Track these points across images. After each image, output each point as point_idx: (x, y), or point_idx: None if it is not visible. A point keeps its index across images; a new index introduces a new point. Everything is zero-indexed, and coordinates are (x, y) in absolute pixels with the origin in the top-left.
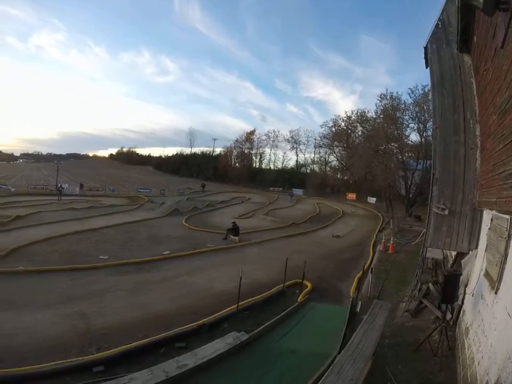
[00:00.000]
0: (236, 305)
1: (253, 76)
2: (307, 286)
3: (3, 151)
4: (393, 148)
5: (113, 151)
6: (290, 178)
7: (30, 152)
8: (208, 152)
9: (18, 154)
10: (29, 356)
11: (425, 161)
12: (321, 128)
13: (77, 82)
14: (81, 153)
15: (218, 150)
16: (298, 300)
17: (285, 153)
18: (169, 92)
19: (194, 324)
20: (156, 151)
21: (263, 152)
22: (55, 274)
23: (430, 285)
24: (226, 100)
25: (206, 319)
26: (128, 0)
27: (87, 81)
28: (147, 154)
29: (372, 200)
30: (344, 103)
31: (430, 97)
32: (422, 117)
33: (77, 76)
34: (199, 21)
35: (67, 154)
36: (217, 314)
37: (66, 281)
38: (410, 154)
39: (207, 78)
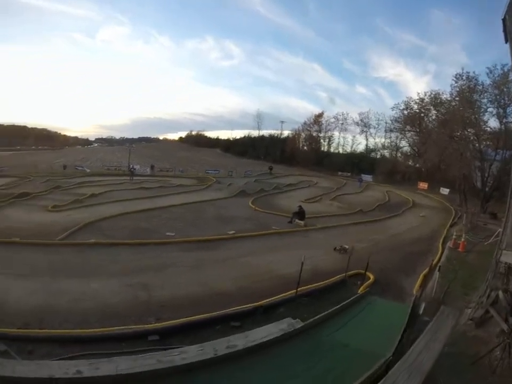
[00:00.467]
0: (295, 290)
1: (319, 56)
2: (369, 278)
3: (79, 137)
4: (469, 134)
5: (183, 134)
6: (359, 163)
7: (104, 137)
8: (276, 135)
9: (93, 139)
10: (92, 319)
11: (504, 151)
12: (392, 111)
13: (145, 71)
14: (152, 137)
15: (286, 133)
16: (359, 291)
17: (354, 137)
18: (235, 75)
19: (251, 305)
20: (224, 134)
21: (331, 136)
22: (124, 247)
23: (500, 292)
24: (292, 82)
25: (263, 301)
26: None
27: (155, 69)
28: (215, 137)
29: (445, 191)
30: (416, 84)
31: (510, 78)
32: (502, 101)
33: (145, 65)
34: (259, 3)
35: (139, 138)
36: (274, 297)
37: (133, 255)
38: (488, 142)
39: (272, 60)
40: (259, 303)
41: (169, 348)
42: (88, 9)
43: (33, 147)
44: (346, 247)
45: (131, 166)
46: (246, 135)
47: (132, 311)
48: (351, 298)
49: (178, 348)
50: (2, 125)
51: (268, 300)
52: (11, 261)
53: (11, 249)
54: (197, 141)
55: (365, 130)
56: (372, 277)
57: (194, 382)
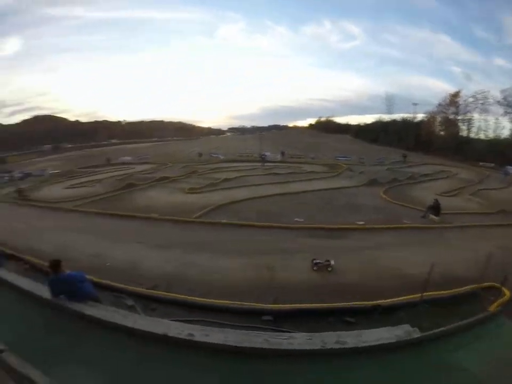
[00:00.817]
0: (420, 295)
1: (447, 26)
2: (505, 295)
3: (212, 127)
4: None
5: (312, 121)
6: (504, 152)
7: (236, 126)
8: (409, 119)
9: (226, 129)
10: (215, 291)
11: None
12: None
13: (267, 61)
14: (281, 125)
15: (419, 116)
16: (490, 309)
17: (496, 119)
18: (358, 57)
19: (369, 302)
20: (354, 120)
21: (470, 118)
22: (253, 229)
23: None
24: (421, 58)
25: (383, 301)
26: None
27: (276, 59)
28: (345, 123)
29: None
30: None
31: None
32: None
33: (266, 55)
34: None
35: (268, 126)
36: (396, 299)
37: (261, 236)
38: None
39: (395, 36)
40: (378, 302)
41: (279, 330)
42: (203, 13)
43: (169, 138)
44: (330, 263)
45: (262, 152)
46: (377, 120)
47: (253, 289)
48: (480, 316)
49: (288, 332)
50: (143, 121)
51: (388, 301)
52: (149, 233)
53: (150, 224)
54: (326, 127)
55: (509, 111)
56: (508, 293)
57: (297, 369)
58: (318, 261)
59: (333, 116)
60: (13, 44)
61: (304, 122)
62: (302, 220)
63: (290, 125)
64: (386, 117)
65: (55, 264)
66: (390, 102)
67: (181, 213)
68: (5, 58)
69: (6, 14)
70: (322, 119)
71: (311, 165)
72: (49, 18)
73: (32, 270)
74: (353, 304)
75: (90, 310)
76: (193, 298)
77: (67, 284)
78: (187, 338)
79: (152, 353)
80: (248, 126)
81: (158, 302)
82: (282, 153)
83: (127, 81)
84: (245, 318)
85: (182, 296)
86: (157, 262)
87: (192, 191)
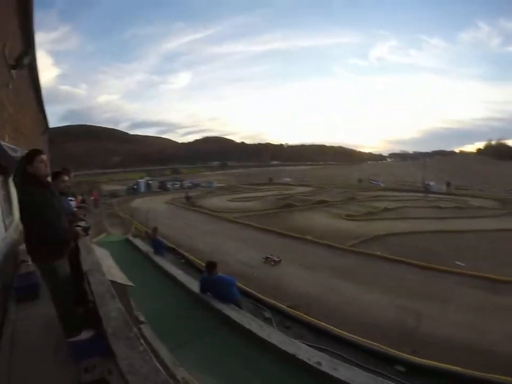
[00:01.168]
0: None
1: None
2: None
3: (373, 153)
4: None
5: (480, 145)
6: None
7: (396, 152)
8: None
9: (386, 155)
10: (352, 324)
11: None
12: None
13: (423, 78)
14: (447, 150)
15: None
16: None
17: None
18: None
19: None
20: None
21: None
22: (406, 266)
23: None
24: None
25: None
26: None
27: (433, 74)
28: None
29: None
30: None
31: None
32: None
33: (422, 71)
34: None
35: (432, 151)
36: None
37: (413, 276)
38: None
39: None
40: None
41: None
42: (354, 36)
43: (329, 162)
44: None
45: (426, 182)
46: None
47: (391, 332)
48: None
49: None
50: (305, 144)
51: None
52: (301, 253)
53: (304, 245)
54: (497, 152)
55: None
56: None
57: None
58: None
59: (505, 138)
60: (186, 78)
61: (471, 147)
62: (463, 264)
63: (456, 150)
64: None
65: (211, 266)
66: None
67: (335, 239)
68: (180, 89)
69: (180, 54)
70: (493, 142)
71: (478, 198)
72: (216, 55)
73: (187, 265)
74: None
75: (231, 312)
76: (328, 326)
77: (218, 284)
78: (314, 365)
79: (278, 370)
80: (410, 152)
81: (294, 321)
82: (448, 184)
83: (289, 107)
84: (375, 360)
85: (319, 322)
86: (302, 282)
87: (349, 217)
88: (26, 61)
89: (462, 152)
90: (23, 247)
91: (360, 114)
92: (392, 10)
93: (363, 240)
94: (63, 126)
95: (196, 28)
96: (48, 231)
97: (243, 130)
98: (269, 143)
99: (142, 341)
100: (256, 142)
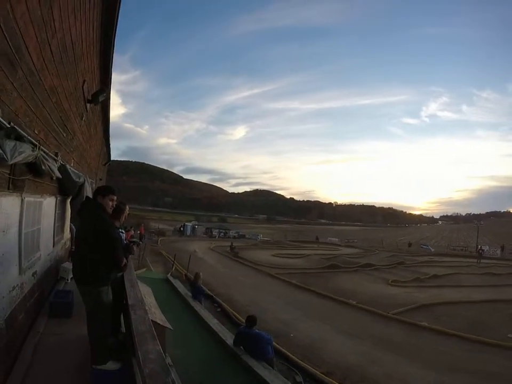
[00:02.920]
0: None
1: None
2: None
3: (424, 215)
4: None
5: None
6: None
7: (448, 214)
8: None
9: (438, 217)
10: None
11: None
12: None
13: (477, 135)
14: (501, 210)
15: None
16: None
17: None
18: None
19: None
20: None
21: None
22: (454, 339)
23: None
24: None
25: None
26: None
27: (486, 130)
28: None
29: None
30: None
31: None
32: None
33: (475, 127)
34: None
35: (486, 213)
36: None
37: (462, 351)
38: None
39: None
40: None
41: None
42: (406, 94)
43: (378, 224)
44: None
45: (479, 246)
46: None
47: None
48: None
49: None
50: (354, 204)
51: None
52: (342, 318)
53: (346, 309)
54: None
55: None
56: None
57: None
58: None
59: None
60: (242, 130)
61: None
62: None
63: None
64: None
65: (252, 320)
66: None
67: (379, 305)
68: (236, 141)
69: (238, 107)
70: None
71: None
72: (272, 111)
73: (223, 314)
74: None
75: (262, 370)
76: None
77: (254, 340)
78: None
79: None
80: (463, 214)
81: None
82: (502, 248)
83: (341, 165)
84: None
85: None
86: (339, 348)
87: (395, 283)
88: (101, 98)
89: None
90: (65, 264)
91: (411, 174)
92: (443, 68)
93: (409, 309)
94: (122, 160)
95: (255, 83)
96: (109, 259)
97: (293, 186)
98: (318, 200)
99: None
100: (305, 198)
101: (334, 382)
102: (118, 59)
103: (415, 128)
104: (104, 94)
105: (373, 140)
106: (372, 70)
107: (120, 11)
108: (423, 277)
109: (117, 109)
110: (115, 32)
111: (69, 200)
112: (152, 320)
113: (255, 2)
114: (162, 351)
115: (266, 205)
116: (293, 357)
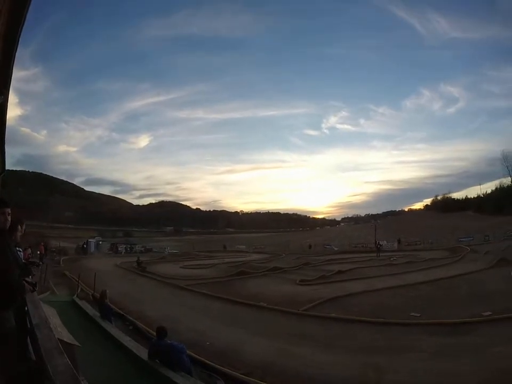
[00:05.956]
0: None
1: None
2: None
3: (326, 218)
4: None
5: (428, 201)
6: None
7: (349, 216)
8: None
9: (339, 219)
10: None
11: None
12: None
13: (374, 146)
14: (397, 210)
15: None
16: None
17: None
18: (465, 119)
19: None
20: (474, 191)
21: None
22: (362, 325)
23: None
24: None
25: None
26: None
27: (383, 142)
28: (463, 198)
29: None
30: None
31: None
32: None
33: (372, 139)
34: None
35: (383, 212)
36: None
37: (371, 334)
38: None
39: (496, 84)
40: None
41: None
42: (308, 107)
43: (283, 229)
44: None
45: (377, 242)
46: (498, 187)
47: None
48: None
49: None
50: (260, 211)
51: None
52: (254, 320)
53: (258, 312)
54: (444, 206)
55: None
56: None
57: None
58: None
59: (449, 193)
60: (145, 139)
61: (420, 204)
62: (419, 314)
63: (406, 209)
64: (507, 181)
65: (161, 331)
66: (509, 162)
67: (290, 304)
68: (139, 150)
69: (142, 115)
70: (439, 197)
71: (429, 251)
72: (176, 120)
73: (136, 331)
74: None
75: (182, 380)
76: None
77: (167, 351)
78: None
79: None
80: (363, 215)
81: None
82: (399, 241)
83: (245, 175)
84: None
85: None
86: (256, 349)
87: (303, 282)
88: None
89: (411, 210)
90: None
91: (313, 181)
92: (342, 85)
93: (318, 304)
94: (17, 170)
95: (159, 91)
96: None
97: (199, 196)
98: (224, 210)
99: None
100: (211, 208)
101: (256, 380)
102: (18, 52)
103: (316, 139)
104: (2, 97)
105: (277, 150)
106: (275, 83)
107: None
108: (328, 273)
109: (13, 110)
110: (21, 28)
111: None
112: (58, 339)
113: (162, 7)
114: (71, 364)
115: (172, 216)
116: (211, 363)
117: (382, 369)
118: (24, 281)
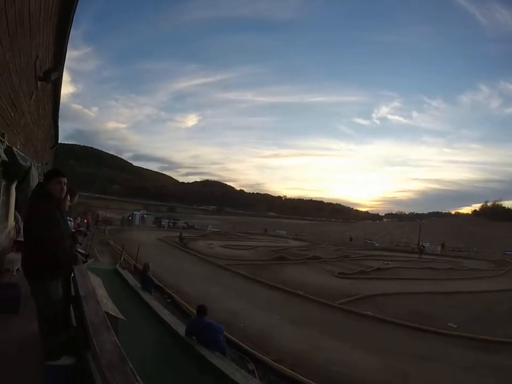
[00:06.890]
0: None
1: None
2: None
3: (370, 212)
4: None
5: (477, 206)
6: None
7: (393, 212)
8: None
9: (383, 214)
10: (334, 381)
11: None
12: None
13: (425, 141)
14: (443, 211)
15: None
16: None
17: None
18: None
19: None
20: None
21: None
22: (396, 327)
23: None
24: None
25: None
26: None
27: (435, 137)
28: None
29: None
30: None
31: None
32: None
33: (424, 134)
34: None
35: (428, 213)
36: None
37: (403, 337)
38: None
39: None
40: None
41: None
42: (359, 95)
43: (325, 219)
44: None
45: (420, 243)
46: None
47: None
48: None
49: None
50: (303, 198)
51: None
52: (290, 308)
53: (294, 299)
54: (494, 214)
55: None
56: None
57: None
58: None
59: (501, 200)
60: (193, 119)
61: (468, 209)
62: (456, 326)
63: (453, 211)
64: None
65: (202, 310)
66: None
67: (326, 296)
68: (186, 129)
69: (190, 95)
70: (489, 203)
71: (474, 260)
72: (224, 101)
73: (173, 305)
74: None
75: (216, 360)
76: (311, 383)
77: (206, 330)
78: None
79: None
80: (407, 212)
81: (277, 375)
82: (442, 245)
83: (289, 160)
84: None
85: (300, 376)
86: (288, 336)
87: (341, 275)
88: (53, 76)
89: (458, 214)
90: (10, 255)
91: (359, 173)
92: (397, 75)
93: (354, 299)
94: (69, 144)
95: (207, 72)
96: (52, 251)
97: (243, 178)
98: (267, 193)
99: (138, 377)
100: (255, 191)
101: (285, 368)
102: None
103: (365, 129)
104: (57, 73)
105: (323, 137)
106: (326, 69)
107: None
108: (367, 269)
109: (66, 88)
110: (76, 6)
111: (14, 185)
112: (105, 311)
113: None
114: (118, 342)
115: (216, 196)
116: (244, 345)
117: (407, 376)
118: (77, 252)
